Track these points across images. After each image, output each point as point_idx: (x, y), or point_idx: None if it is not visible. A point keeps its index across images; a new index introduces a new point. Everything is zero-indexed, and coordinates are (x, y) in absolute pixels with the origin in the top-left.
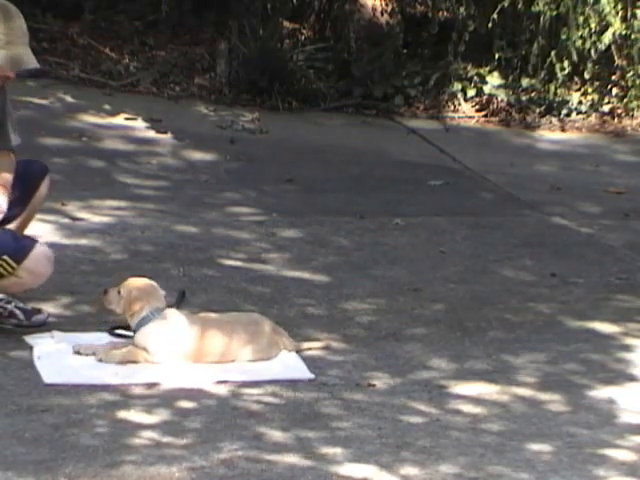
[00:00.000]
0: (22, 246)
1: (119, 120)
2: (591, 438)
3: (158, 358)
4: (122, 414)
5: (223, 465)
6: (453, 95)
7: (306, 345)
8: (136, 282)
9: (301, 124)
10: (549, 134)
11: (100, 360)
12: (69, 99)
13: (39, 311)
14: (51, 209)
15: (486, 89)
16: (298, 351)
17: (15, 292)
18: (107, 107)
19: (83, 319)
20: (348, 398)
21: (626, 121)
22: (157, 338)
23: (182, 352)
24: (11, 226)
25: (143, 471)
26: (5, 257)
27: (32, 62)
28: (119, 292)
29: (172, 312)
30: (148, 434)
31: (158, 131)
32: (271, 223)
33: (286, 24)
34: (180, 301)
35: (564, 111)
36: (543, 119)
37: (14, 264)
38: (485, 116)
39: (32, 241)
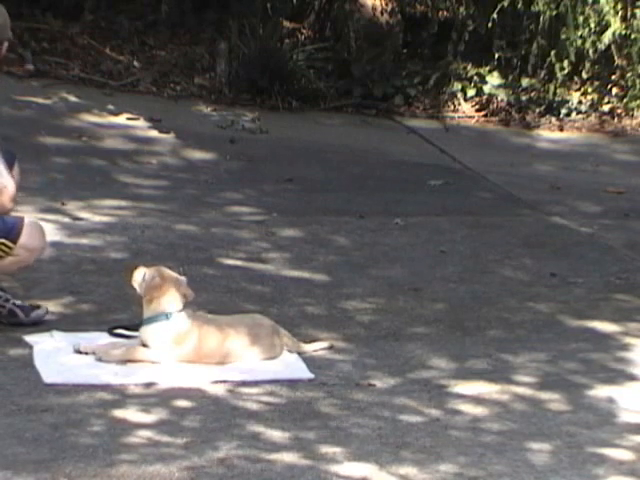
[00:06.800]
0: (12, 225)
1: (119, 120)
2: (591, 438)
3: (158, 357)
4: (121, 414)
5: (222, 465)
6: (453, 95)
7: (308, 347)
8: (164, 271)
9: (301, 124)
10: (549, 134)
11: (99, 359)
12: (69, 99)
13: (38, 307)
14: (51, 209)
15: (486, 89)
16: (300, 353)
17: (11, 272)
18: (107, 107)
19: (83, 318)
20: (348, 398)
21: (626, 121)
22: (161, 339)
23: (183, 356)
24: None
25: (142, 471)
26: (2, 240)
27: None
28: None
29: (180, 316)
30: (147, 434)
31: (159, 131)
32: (271, 223)
33: (286, 24)
34: None
35: (564, 111)
36: (543, 119)
37: (11, 244)
38: (485, 116)
39: (19, 218)
